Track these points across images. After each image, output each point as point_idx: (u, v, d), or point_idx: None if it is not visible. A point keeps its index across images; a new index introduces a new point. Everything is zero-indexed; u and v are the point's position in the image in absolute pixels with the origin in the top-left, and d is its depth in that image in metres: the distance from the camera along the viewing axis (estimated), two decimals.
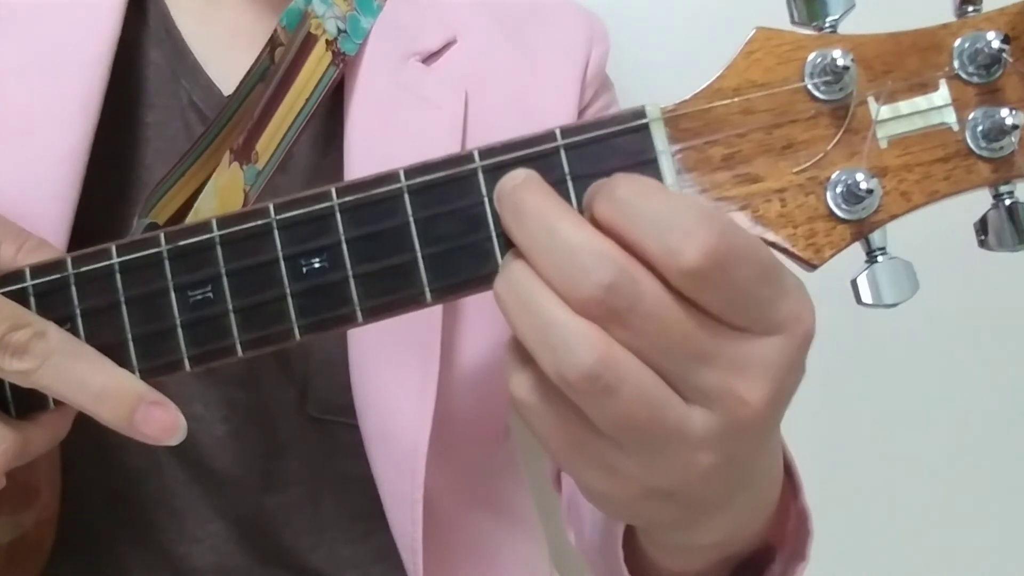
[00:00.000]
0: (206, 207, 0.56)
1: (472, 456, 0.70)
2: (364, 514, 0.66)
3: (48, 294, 0.43)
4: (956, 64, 0.39)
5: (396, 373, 0.62)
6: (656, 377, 0.36)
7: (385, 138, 0.64)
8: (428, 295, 0.40)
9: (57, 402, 0.44)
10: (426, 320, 0.62)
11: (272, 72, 0.61)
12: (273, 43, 0.62)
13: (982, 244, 0.41)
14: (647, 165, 0.39)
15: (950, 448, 1.11)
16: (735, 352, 0.37)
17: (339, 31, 0.65)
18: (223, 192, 0.56)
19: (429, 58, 0.69)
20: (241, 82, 0.60)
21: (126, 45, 0.62)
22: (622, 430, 0.37)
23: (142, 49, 0.65)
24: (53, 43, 0.61)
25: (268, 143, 0.59)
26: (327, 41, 0.64)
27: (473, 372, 0.66)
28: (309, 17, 0.63)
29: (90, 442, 0.61)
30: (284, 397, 0.65)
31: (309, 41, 0.63)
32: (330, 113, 0.66)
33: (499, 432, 0.73)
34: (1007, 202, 0.40)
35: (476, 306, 0.65)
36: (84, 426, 0.61)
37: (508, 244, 0.39)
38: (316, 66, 0.63)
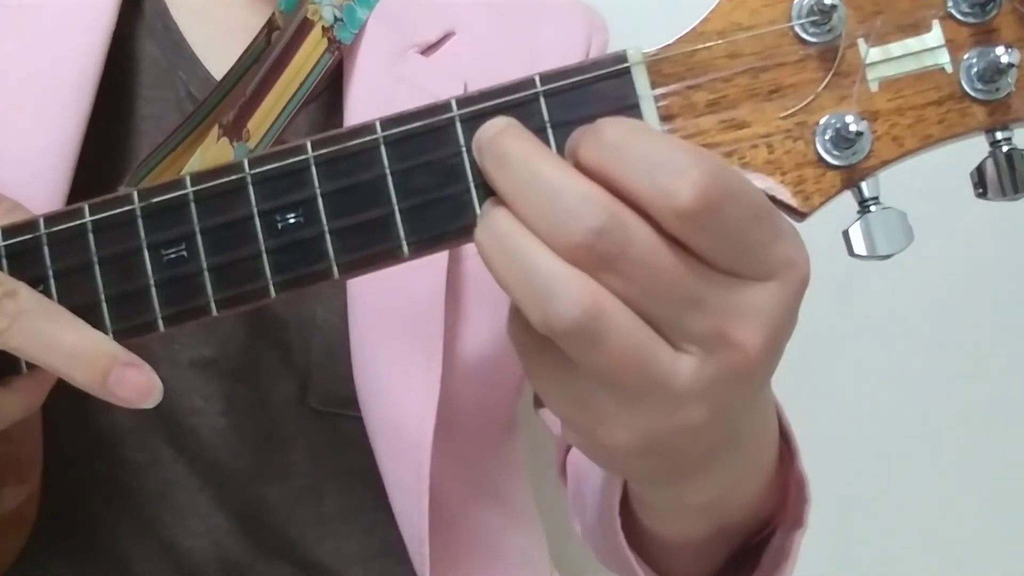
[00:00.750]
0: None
1: (476, 448, 0.70)
2: (368, 507, 0.66)
3: (20, 255, 0.42)
4: (949, 3, 0.38)
5: (399, 365, 0.61)
6: (644, 326, 0.35)
7: None
8: (405, 249, 0.39)
9: (31, 366, 0.43)
10: (428, 310, 0.61)
11: (267, 53, 0.61)
12: (271, 26, 0.62)
13: (979, 195, 0.40)
14: (629, 111, 0.38)
15: (944, 430, 1.10)
16: (727, 297, 0.35)
17: (335, 19, 0.65)
18: (210, 165, 0.56)
19: (428, 50, 0.69)
20: (237, 61, 0.60)
21: (122, 39, 0.63)
22: (609, 377, 0.36)
23: (138, 42, 0.66)
24: (46, 35, 0.61)
25: (260, 122, 0.59)
26: (323, 28, 0.64)
27: (476, 363, 0.65)
28: (306, 3, 0.63)
29: (89, 436, 0.61)
30: (285, 390, 0.64)
31: (305, 26, 0.63)
32: (329, 103, 0.66)
33: (504, 424, 0.72)
34: (1004, 149, 0.38)
35: (478, 296, 0.65)
36: (83, 420, 0.61)
37: (487, 195, 0.38)
38: (312, 51, 0.63)
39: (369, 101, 0.64)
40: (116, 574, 0.64)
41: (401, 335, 0.61)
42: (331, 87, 0.65)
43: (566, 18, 0.74)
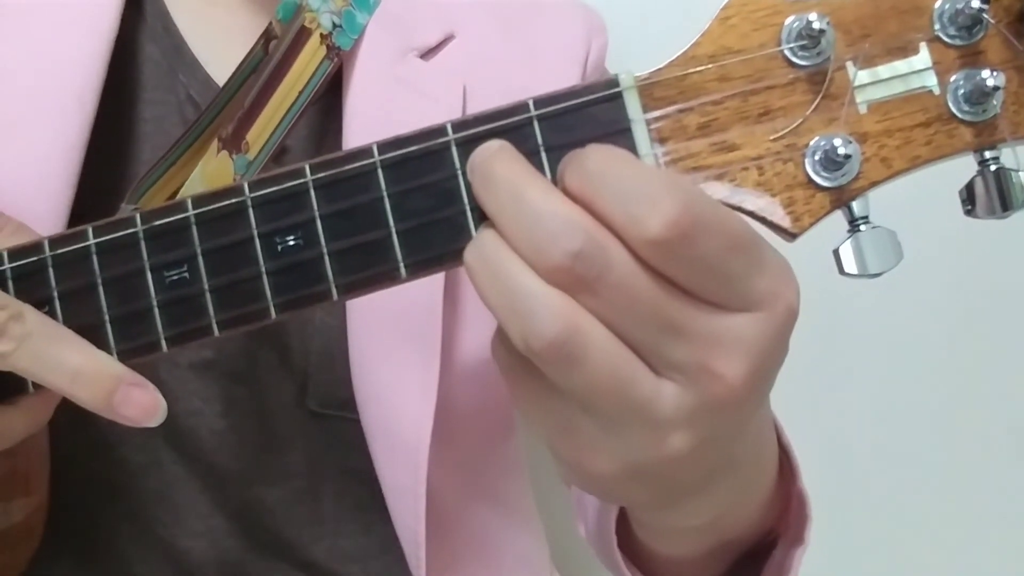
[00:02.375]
0: (193, 193, 0.56)
1: (475, 450, 0.70)
2: (365, 507, 0.66)
3: (26, 277, 0.43)
4: (936, 26, 0.38)
5: (397, 367, 0.61)
6: (624, 349, 0.36)
7: (383, 132, 0.63)
8: (403, 271, 0.40)
9: (37, 385, 0.44)
10: (426, 313, 0.62)
11: (264, 63, 0.61)
12: (268, 35, 0.62)
13: (968, 212, 0.40)
14: (621, 135, 0.39)
15: (945, 432, 1.10)
16: (709, 327, 0.36)
17: (334, 26, 0.65)
18: (211, 179, 0.56)
19: (427, 53, 0.69)
20: (234, 73, 0.60)
21: (123, 41, 0.63)
22: (589, 400, 0.36)
23: (139, 45, 0.66)
24: (50, 39, 0.61)
25: (259, 133, 0.59)
26: (321, 35, 0.64)
27: (474, 365, 0.65)
28: (303, 11, 0.63)
29: (89, 437, 0.62)
30: (283, 391, 0.65)
31: (303, 34, 0.63)
32: (328, 107, 0.66)
33: (502, 426, 0.73)
34: (992, 168, 0.39)
35: (476, 299, 0.64)
36: (83, 422, 0.61)
37: (482, 218, 0.38)
38: (310, 59, 0.63)
39: (368, 105, 0.65)
40: (115, 574, 0.64)
41: (399, 338, 0.61)
42: (330, 91, 0.65)
43: (565, 20, 0.74)
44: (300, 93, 0.62)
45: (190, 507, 0.64)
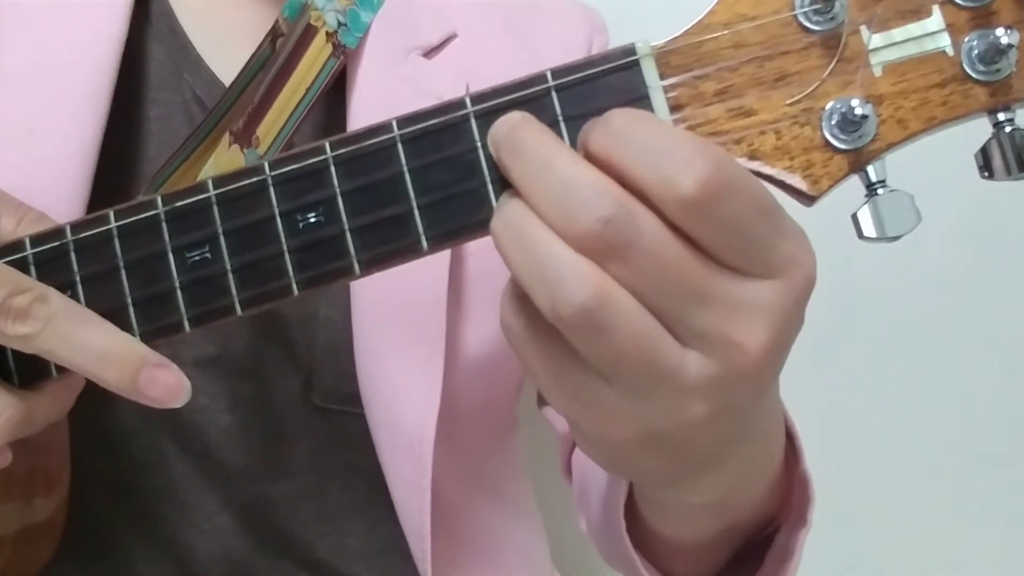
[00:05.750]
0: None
1: (479, 445, 0.70)
2: (371, 503, 0.66)
3: (48, 262, 0.43)
4: None
5: (402, 362, 0.62)
6: (651, 317, 0.36)
7: None
8: (425, 243, 0.40)
9: (60, 370, 0.44)
10: (431, 308, 0.62)
11: (272, 60, 0.61)
12: (275, 33, 0.63)
13: (985, 176, 0.40)
14: (639, 102, 0.39)
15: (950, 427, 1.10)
16: (733, 294, 0.36)
17: (339, 24, 0.66)
18: (224, 172, 0.57)
19: (430, 52, 0.70)
20: (243, 69, 0.61)
21: (129, 42, 0.63)
22: (614, 369, 0.36)
23: (145, 45, 0.66)
24: (62, 44, 0.62)
25: (269, 129, 0.59)
26: (327, 33, 0.65)
27: (478, 360, 0.66)
28: (309, 9, 0.64)
29: (95, 434, 0.62)
30: (289, 387, 0.65)
31: (309, 32, 0.64)
32: (332, 106, 0.67)
33: (505, 422, 0.73)
34: (1007, 129, 0.39)
35: (480, 294, 0.65)
36: (90, 418, 0.61)
37: (503, 189, 0.39)
38: (316, 57, 0.64)
39: (371, 103, 0.65)
40: (121, 572, 0.64)
41: (404, 333, 0.62)
42: (334, 88, 0.65)
43: (567, 19, 0.75)
44: (308, 90, 0.62)
45: (196, 504, 0.64)
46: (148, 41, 0.66)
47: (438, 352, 0.62)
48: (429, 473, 0.61)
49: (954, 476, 1.10)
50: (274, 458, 0.65)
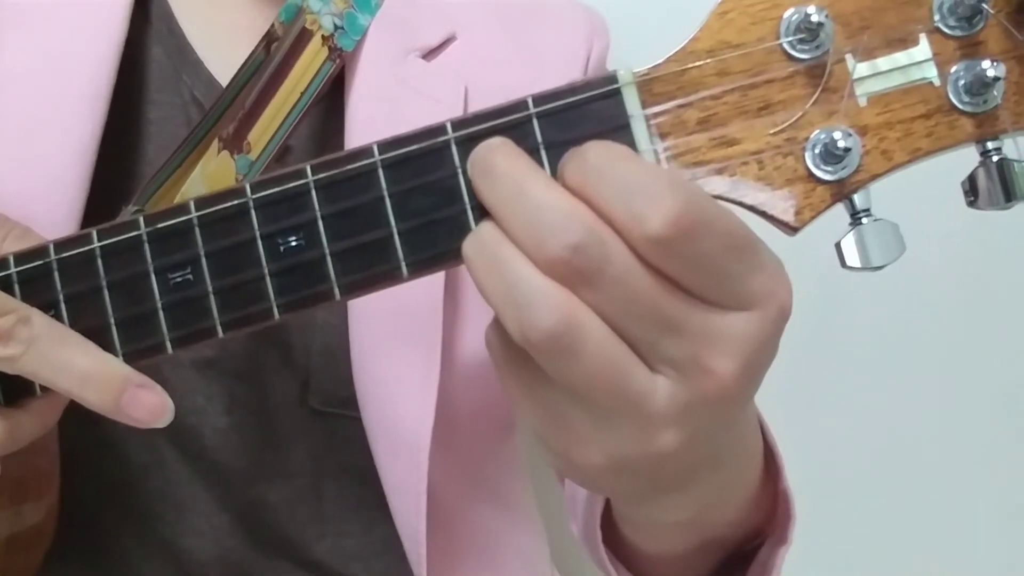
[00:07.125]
0: (194, 194, 0.56)
1: (475, 448, 0.70)
2: (367, 506, 0.66)
3: (32, 280, 0.43)
4: (936, 17, 0.38)
5: (398, 366, 0.62)
6: (620, 343, 0.36)
7: (384, 132, 0.63)
8: (404, 270, 0.40)
9: (44, 388, 0.44)
10: (427, 312, 0.62)
11: (265, 65, 0.61)
12: (270, 37, 0.62)
13: (971, 204, 0.40)
14: (620, 131, 0.39)
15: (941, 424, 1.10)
16: (704, 324, 0.36)
17: (336, 27, 0.65)
18: (212, 180, 0.57)
19: (429, 54, 0.69)
20: (235, 74, 0.60)
21: (129, 43, 0.63)
22: (583, 393, 0.36)
23: (144, 47, 0.66)
24: (61, 45, 0.62)
25: (261, 134, 0.59)
26: (323, 37, 0.64)
27: (475, 364, 0.66)
28: (304, 13, 0.64)
29: (92, 437, 0.62)
30: (286, 390, 0.65)
31: (304, 36, 0.64)
32: (330, 108, 0.67)
33: (502, 425, 0.73)
34: (995, 159, 0.39)
35: (477, 298, 0.65)
36: (87, 421, 0.61)
37: (483, 216, 0.39)
38: (311, 61, 0.63)
39: (370, 105, 0.65)
40: (118, 573, 0.65)
41: (400, 336, 0.62)
42: (332, 91, 0.65)
43: (567, 21, 0.74)
44: (302, 94, 0.62)
45: (193, 506, 0.65)
46: (148, 42, 0.66)
47: (434, 356, 0.62)
48: (425, 477, 0.61)
49: (942, 494, 1.09)
50: (271, 460, 0.65)
